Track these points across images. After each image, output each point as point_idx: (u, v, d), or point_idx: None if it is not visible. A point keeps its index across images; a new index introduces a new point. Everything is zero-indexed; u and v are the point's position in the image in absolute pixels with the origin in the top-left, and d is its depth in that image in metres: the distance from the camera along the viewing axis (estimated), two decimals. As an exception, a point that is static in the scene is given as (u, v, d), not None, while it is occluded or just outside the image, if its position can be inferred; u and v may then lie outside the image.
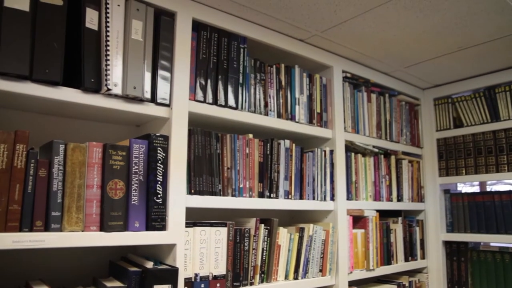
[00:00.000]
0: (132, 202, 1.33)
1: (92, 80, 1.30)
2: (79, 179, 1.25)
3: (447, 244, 2.57)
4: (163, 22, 1.49)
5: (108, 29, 1.33)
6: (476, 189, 3.22)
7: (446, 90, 2.63)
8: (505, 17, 1.79)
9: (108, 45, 1.33)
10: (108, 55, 1.32)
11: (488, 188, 2.95)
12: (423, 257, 2.57)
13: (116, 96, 1.36)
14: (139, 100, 1.41)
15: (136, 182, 1.35)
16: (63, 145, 1.23)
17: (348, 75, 2.20)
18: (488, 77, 2.46)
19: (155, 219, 1.38)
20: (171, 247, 1.44)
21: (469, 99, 2.52)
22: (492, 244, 2.48)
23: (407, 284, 2.38)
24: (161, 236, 1.39)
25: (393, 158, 2.43)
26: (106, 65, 1.31)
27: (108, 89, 1.31)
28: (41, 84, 1.22)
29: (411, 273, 2.54)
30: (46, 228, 1.19)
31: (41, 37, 1.21)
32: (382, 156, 2.36)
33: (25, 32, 1.18)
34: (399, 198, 2.44)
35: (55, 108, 1.39)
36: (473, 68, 2.39)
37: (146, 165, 1.38)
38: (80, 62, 1.29)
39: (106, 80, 1.31)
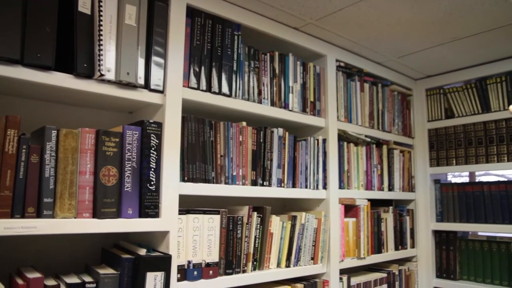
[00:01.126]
0: (125, 189, 1.32)
1: (85, 65, 1.27)
2: (72, 165, 1.23)
3: (437, 233, 2.59)
4: (157, 8, 1.47)
5: (101, 13, 1.30)
6: (466, 179, 3.23)
7: (438, 81, 2.64)
8: (499, 8, 1.79)
9: (101, 30, 1.30)
10: (101, 40, 1.30)
11: (477, 179, 2.96)
12: (412, 246, 2.59)
13: (109, 81, 1.33)
14: (133, 86, 1.39)
15: (129, 168, 1.33)
16: (55, 131, 1.21)
17: (342, 64, 2.19)
18: (480, 68, 2.46)
19: (148, 206, 1.36)
20: (164, 234, 1.43)
21: (461, 90, 2.52)
22: (480, 233, 2.50)
23: (396, 273, 2.40)
24: (154, 223, 1.38)
25: (385, 147, 2.43)
26: (99, 50, 1.29)
27: (101, 75, 1.29)
28: (33, 69, 1.19)
29: (401, 261, 2.55)
30: (38, 215, 1.17)
31: (32, 20, 1.18)
32: (374, 145, 2.36)
33: (17, 15, 1.15)
34: (390, 188, 2.44)
35: (47, 93, 1.37)
36: (465, 59, 2.39)
37: (139, 151, 1.37)
38: (72, 47, 1.26)
39: (99, 65, 1.29)
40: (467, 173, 3.17)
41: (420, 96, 2.70)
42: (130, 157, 1.34)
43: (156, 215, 1.39)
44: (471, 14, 1.84)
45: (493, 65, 2.40)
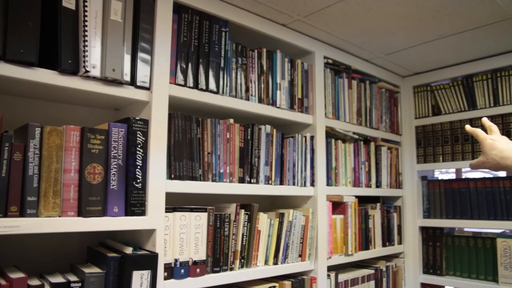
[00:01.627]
0: (111, 187, 1.30)
1: (70, 61, 1.25)
2: (56, 163, 1.21)
3: (423, 230, 2.61)
4: (143, 3, 1.45)
5: (86, 8, 1.28)
6: (452, 176, 3.26)
7: (425, 78, 2.65)
8: (485, 7, 1.80)
9: (86, 26, 1.28)
10: (86, 35, 1.28)
11: (464, 176, 2.99)
12: (400, 243, 2.60)
13: (94, 78, 1.32)
14: (118, 82, 1.37)
15: (115, 166, 1.32)
16: (39, 128, 1.19)
17: (330, 61, 2.19)
18: (466, 66, 2.47)
19: (135, 204, 1.35)
20: (150, 232, 1.42)
21: (448, 88, 2.53)
22: (466, 229, 2.52)
23: (384, 269, 2.41)
24: (141, 221, 1.36)
25: (372, 144, 2.44)
26: (84, 46, 1.27)
27: (86, 71, 1.27)
28: (15, 65, 1.17)
29: (388, 258, 2.57)
30: (22, 214, 1.15)
31: (15, 15, 1.16)
32: (362, 142, 2.36)
33: (-1, 10, 1.13)
34: (378, 184, 2.45)
35: (31, 90, 1.34)
36: (452, 57, 2.40)
37: (125, 149, 1.35)
38: (56, 43, 1.24)
39: (84, 61, 1.27)
40: (454, 170, 3.20)
41: (407, 93, 2.71)
42: (116, 154, 1.32)
43: (142, 213, 1.37)
44: (458, 12, 1.85)
45: (479, 63, 2.42)
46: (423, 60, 2.46)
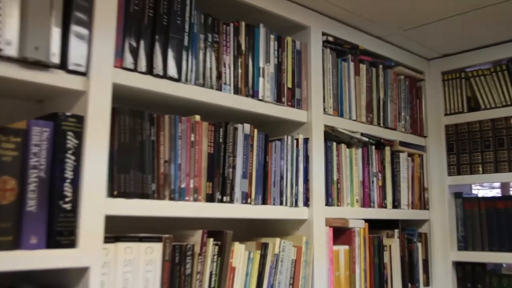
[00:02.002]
0: (28, 209, 1.29)
1: (-26, 36, 1.25)
2: (-47, 175, 1.20)
3: (459, 266, 2.62)
4: (76, -41, 1.45)
5: (-4, -35, 1.28)
6: (497, 192, 3.29)
7: (458, 61, 2.68)
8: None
9: (-3, -12, 1.28)
10: (-2, 2, 1.28)
11: None
12: (427, 284, 2.62)
13: (9, 59, 1.31)
14: (43, 65, 1.37)
15: (35, 180, 1.31)
16: None
17: (330, 38, 2.21)
18: (512, 45, 2.51)
19: (61, 232, 1.34)
20: (82, 271, 1.41)
21: (488, 74, 2.56)
22: (517, 266, 2.54)
23: (404, 318, 2.42)
24: (69, 256, 1.35)
25: (387, 150, 2.46)
26: (-6, 16, 1.27)
27: (-2, 50, 1.27)
28: None
29: (410, 303, 2.58)
30: None
31: None
32: (374, 147, 2.38)
33: None
34: (396, 204, 2.47)
35: None
36: (493, 34, 2.43)
37: (51, 156, 1.35)
38: (-45, 11, 1.24)
39: (-6, 37, 1.27)
40: (499, 184, 3.23)
41: (434, 82, 2.74)
42: (37, 163, 1.32)
43: (71, 244, 1.36)
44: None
45: (530, 42, 2.46)
46: (455, 38, 2.48)
